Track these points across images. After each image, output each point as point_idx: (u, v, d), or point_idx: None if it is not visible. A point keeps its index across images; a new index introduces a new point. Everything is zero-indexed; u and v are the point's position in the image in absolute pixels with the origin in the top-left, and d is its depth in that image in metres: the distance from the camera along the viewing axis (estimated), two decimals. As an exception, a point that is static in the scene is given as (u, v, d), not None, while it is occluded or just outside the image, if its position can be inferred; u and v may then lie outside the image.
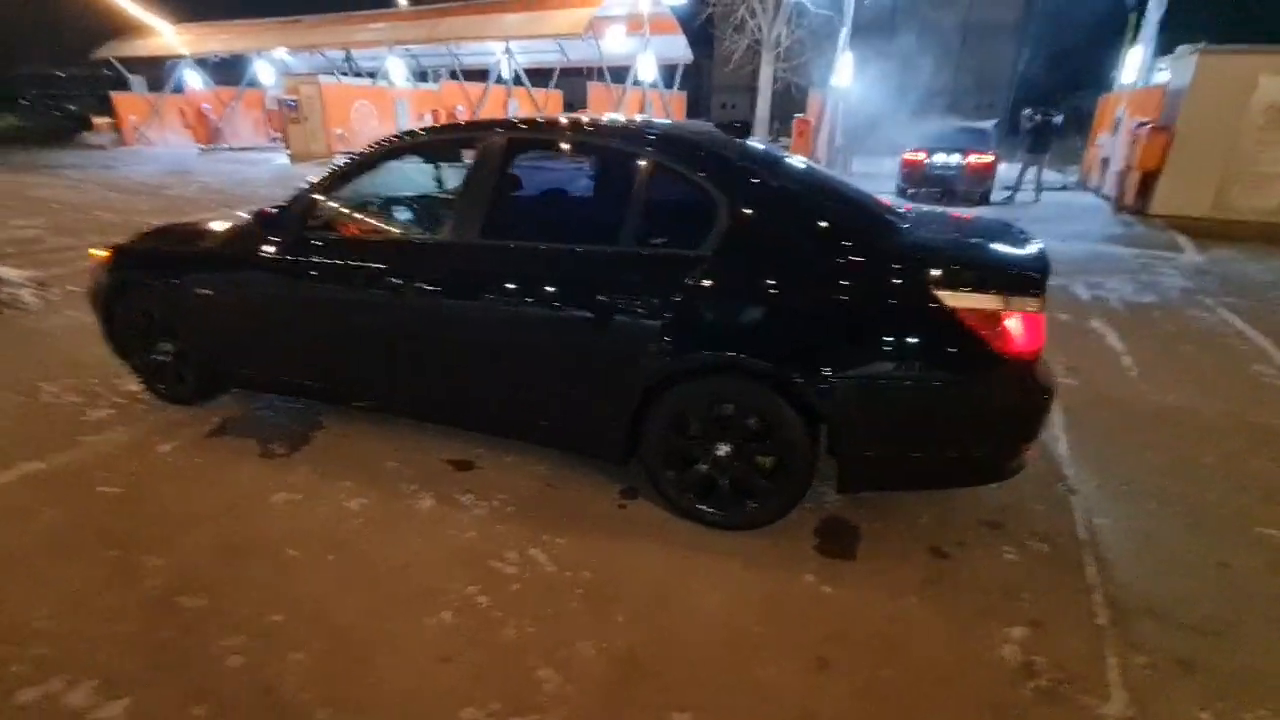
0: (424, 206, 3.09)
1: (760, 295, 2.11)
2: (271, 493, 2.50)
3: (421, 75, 22.25)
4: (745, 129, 2.70)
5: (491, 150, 2.47)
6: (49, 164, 15.88)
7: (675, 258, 2.20)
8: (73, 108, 31.25)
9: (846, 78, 14.72)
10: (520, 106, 20.05)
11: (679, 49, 18.59)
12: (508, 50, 17.65)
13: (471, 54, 20.11)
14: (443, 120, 17.57)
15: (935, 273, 2.00)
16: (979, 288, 1.97)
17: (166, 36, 21.62)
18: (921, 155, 12.11)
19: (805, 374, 2.05)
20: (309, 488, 2.55)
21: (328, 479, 2.60)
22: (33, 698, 1.62)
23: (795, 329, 2.08)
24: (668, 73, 18.63)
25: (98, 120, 25.47)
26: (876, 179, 13.69)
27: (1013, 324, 1.97)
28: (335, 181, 2.74)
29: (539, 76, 21.30)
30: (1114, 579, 2.13)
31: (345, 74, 21.69)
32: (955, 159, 11.79)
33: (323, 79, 18.53)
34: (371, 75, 20.57)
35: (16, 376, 3.45)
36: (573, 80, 21.24)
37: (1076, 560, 2.22)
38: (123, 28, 22.52)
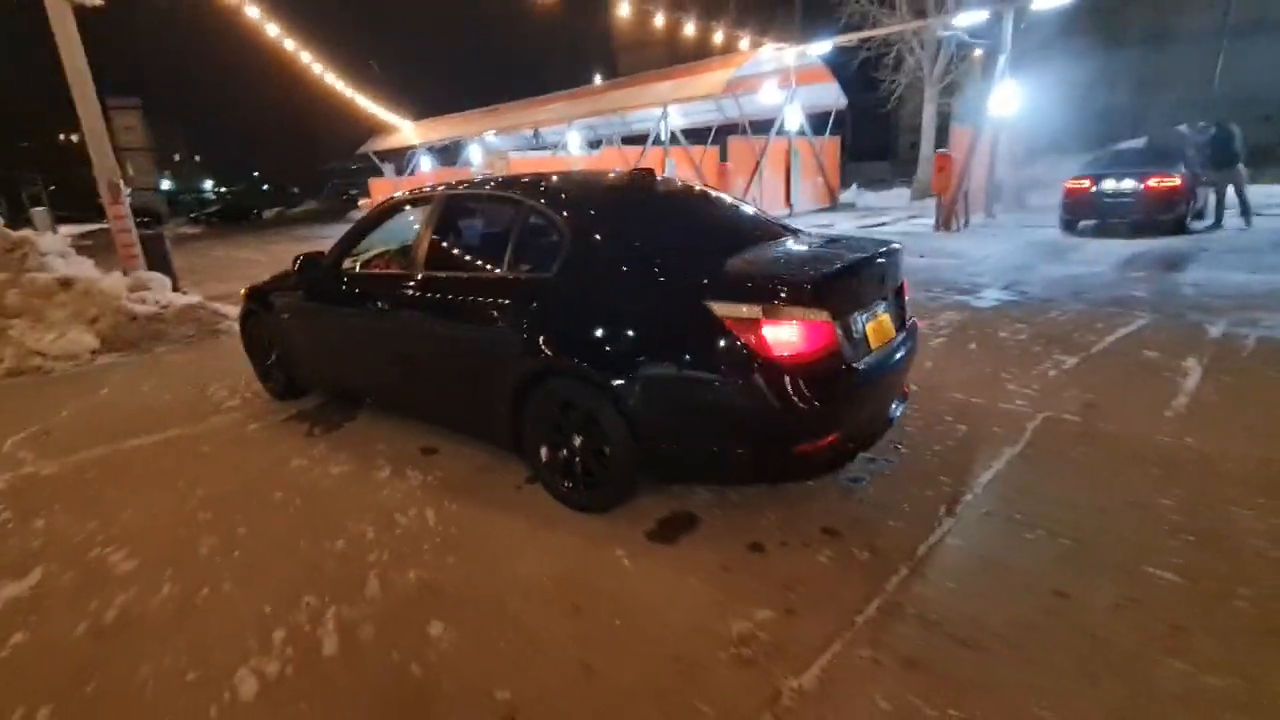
0: (406, 249, 3.94)
1: (581, 308, 2.55)
2: (293, 459, 3.44)
3: (597, 143, 24.85)
4: (649, 173, 3.19)
5: (429, 205, 3.28)
6: (318, 235, 20.74)
7: (534, 279, 2.74)
8: (354, 192, 40.03)
9: (1009, 106, 13.64)
10: (677, 164, 21.51)
11: (830, 96, 18.65)
12: (664, 115, 19.28)
13: (639, 121, 22.21)
14: (602, 181, 19.67)
15: (709, 286, 2.29)
16: (738, 298, 2.21)
17: (406, 131, 27.05)
18: (1086, 182, 10.79)
19: (612, 376, 2.43)
20: (317, 457, 3.45)
21: (332, 453, 3.49)
22: (81, 539, 2.62)
23: (605, 337, 2.47)
24: (819, 120, 18.77)
25: (363, 201, 32.45)
26: (1053, 213, 12.34)
27: (771, 331, 2.17)
28: (352, 236, 3.72)
29: (701, 135, 22.72)
30: (912, 590, 2.13)
31: (537, 148, 25.24)
32: (1129, 184, 10.32)
33: (512, 154, 21.76)
34: (551, 148, 23.62)
35: (200, 376, 5.00)
36: (729, 136, 22.22)
37: (888, 571, 2.23)
38: (381, 127, 28.65)
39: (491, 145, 26.04)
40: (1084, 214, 10.99)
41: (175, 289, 7.74)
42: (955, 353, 4.70)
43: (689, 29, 19.51)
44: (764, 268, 2.52)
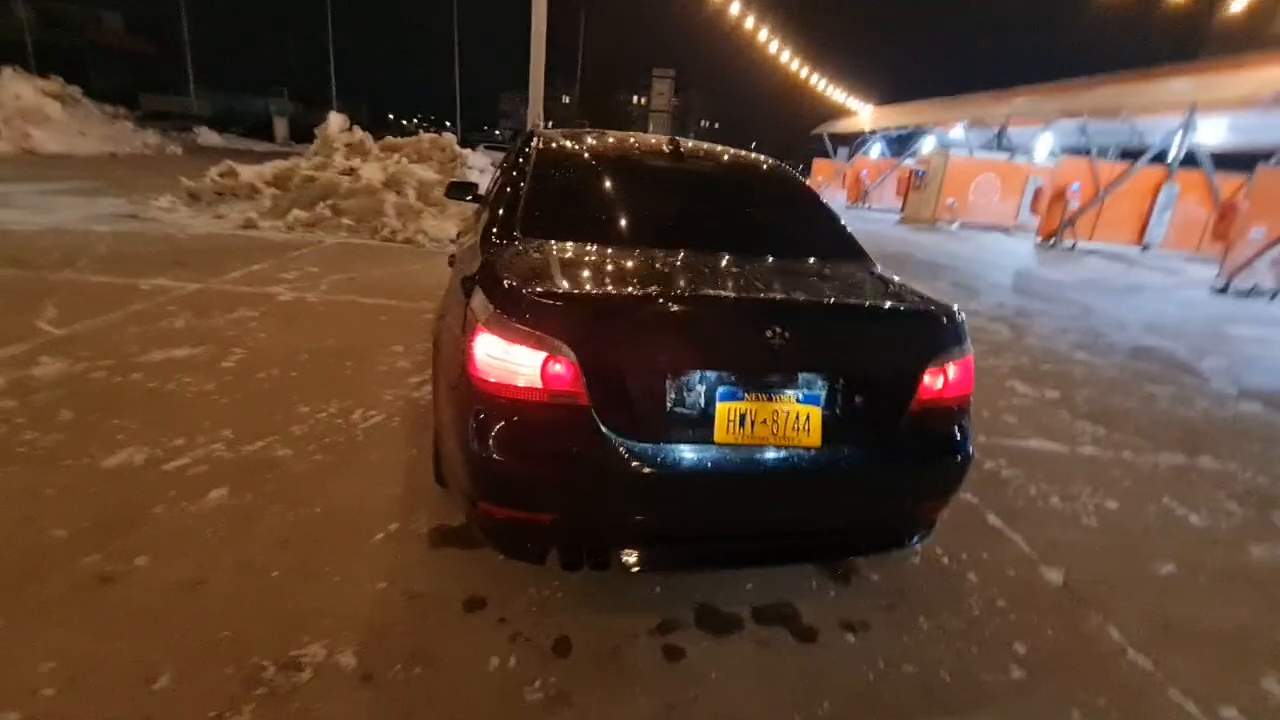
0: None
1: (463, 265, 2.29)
2: (397, 344, 4.13)
3: (1084, 151, 19.97)
4: (673, 141, 2.63)
5: None
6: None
7: None
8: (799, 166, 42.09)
9: None
10: (1179, 194, 15.62)
11: None
12: (1186, 125, 14.10)
13: (1155, 130, 16.73)
14: (1046, 198, 15.67)
15: (491, 264, 1.83)
16: (487, 288, 1.69)
17: (862, 116, 26.56)
18: None
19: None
20: (419, 351, 4.05)
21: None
22: (245, 339, 3.73)
23: (448, 301, 2.20)
24: None
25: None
26: None
27: (482, 341, 1.59)
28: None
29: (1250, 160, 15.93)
30: None
31: (1000, 150, 21.60)
32: None
33: (954, 153, 19.29)
34: (1013, 151, 19.93)
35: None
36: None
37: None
38: (841, 111, 28.90)
39: (949, 140, 23.46)
40: None
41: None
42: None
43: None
44: (572, 266, 1.84)
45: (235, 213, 8.08)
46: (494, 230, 2.13)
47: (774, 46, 24.13)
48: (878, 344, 1.77)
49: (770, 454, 1.66)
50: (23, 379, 3.10)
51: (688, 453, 1.62)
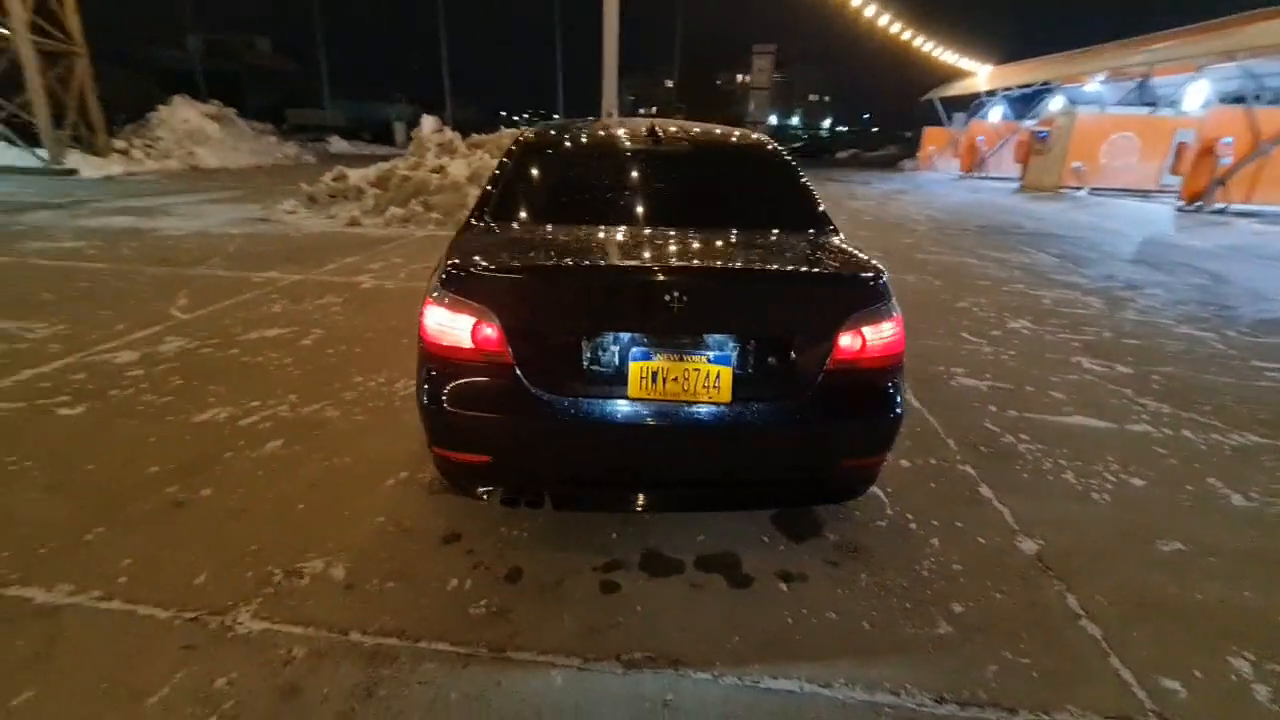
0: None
1: None
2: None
3: (1238, 99, 17.25)
4: (650, 125, 2.76)
5: None
6: (837, 178, 21.76)
7: None
8: (908, 134, 39.19)
9: None
10: (1370, 140, 13.08)
11: None
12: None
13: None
14: (1191, 155, 13.69)
15: (454, 245, 2.14)
16: (443, 270, 1.96)
17: (978, 77, 24.44)
18: None
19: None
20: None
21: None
22: (323, 319, 4.34)
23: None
24: None
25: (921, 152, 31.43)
26: None
27: (430, 312, 1.90)
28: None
29: None
30: (426, 667, 1.70)
31: (1150, 103, 19.08)
32: None
33: (1082, 110, 17.38)
34: (1154, 104, 17.59)
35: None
36: None
37: (457, 639, 1.80)
38: (955, 73, 26.70)
39: (1080, 96, 21.07)
40: None
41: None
42: None
43: None
44: (515, 244, 2.06)
45: (344, 213, 9.08)
46: (472, 217, 2.41)
47: (875, 11, 22.72)
48: (787, 307, 1.86)
49: (682, 409, 1.82)
50: (152, 354, 3.84)
51: (603, 406, 1.82)
